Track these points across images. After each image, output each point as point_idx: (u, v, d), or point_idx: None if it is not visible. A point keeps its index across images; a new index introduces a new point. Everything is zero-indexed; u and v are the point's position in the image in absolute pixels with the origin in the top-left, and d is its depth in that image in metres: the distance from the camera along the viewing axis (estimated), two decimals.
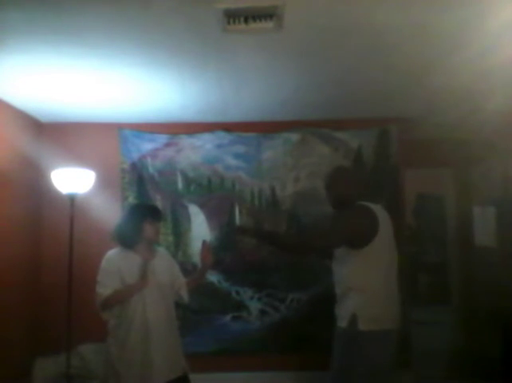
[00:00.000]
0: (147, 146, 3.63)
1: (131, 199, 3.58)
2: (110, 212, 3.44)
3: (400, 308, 2.18)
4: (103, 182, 3.41)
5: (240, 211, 3.60)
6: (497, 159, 3.79)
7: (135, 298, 2.09)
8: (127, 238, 2.19)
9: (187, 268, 3.54)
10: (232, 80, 2.80)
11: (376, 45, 2.31)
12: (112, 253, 2.20)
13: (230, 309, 3.53)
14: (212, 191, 3.63)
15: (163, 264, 2.28)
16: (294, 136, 3.66)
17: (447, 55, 2.44)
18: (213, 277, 3.55)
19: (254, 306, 3.55)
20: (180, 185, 3.63)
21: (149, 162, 3.62)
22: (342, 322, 2.10)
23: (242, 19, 1.96)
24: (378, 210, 2.22)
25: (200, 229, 3.59)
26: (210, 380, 3.45)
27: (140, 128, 3.66)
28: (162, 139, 3.65)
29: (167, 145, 3.64)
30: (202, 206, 3.61)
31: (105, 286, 2.08)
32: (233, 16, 1.95)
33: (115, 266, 2.13)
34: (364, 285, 2.08)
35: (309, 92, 3.06)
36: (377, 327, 2.04)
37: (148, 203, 3.54)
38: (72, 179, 3.03)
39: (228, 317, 3.53)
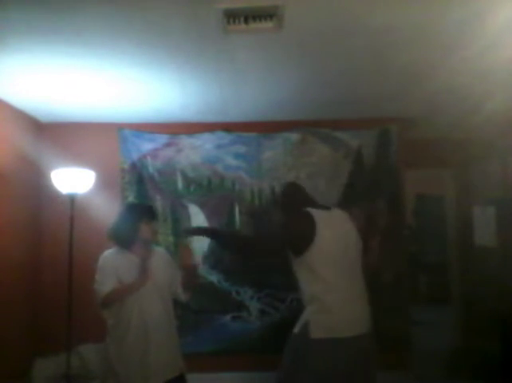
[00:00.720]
0: (147, 146, 3.63)
1: (131, 199, 3.58)
2: (110, 212, 3.44)
3: (367, 311, 2.10)
4: (103, 182, 3.41)
5: (240, 211, 3.60)
6: (497, 159, 3.79)
7: (133, 298, 2.08)
8: (123, 238, 2.18)
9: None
10: (232, 80, 2.80)
11: (376, 45, 2.31)
12: (109, 252, 2.20)
13: (230, 309, 3.53)
14: (212, 191, 3.63)
15: (161, 263, 2.26)
16: (294, 136, 3.66)
17: (447, 55, 2.44)
18: (213, 277, 3.55)
19: (254, 306, 3.55)
20: (180, 185, 3.63)
21: (149, 162, 3.62)
22: (295, 328, 2.06)
23: (242, 19, 1.96)
24: (323, 214, 2.10)
25: None
26: (210, 380, 3.46)
27: (140, 128, 3.66)
28: (162, 139, 3.64)
29: (167, 145, 3.64)
30: (202, 206, 3.61)
31: (104, 284, 2.07)
32: (233, 16, 1.95)
33: (112, 265, 2.12)
34: (314, 292, 2.01)
35: (309, 92, 3.06)
36: (329, 335, 1.96)
37: (144, 202, 3.55)
38: (72, 179, 3.03)
39: (228, 317, 3.53)
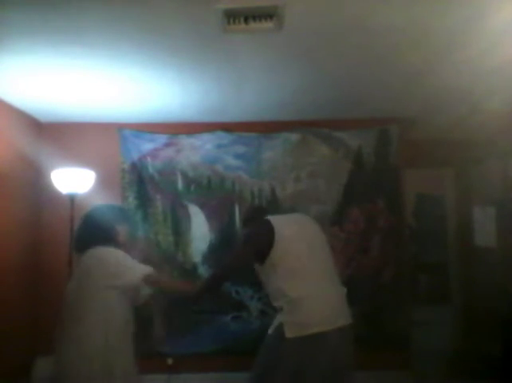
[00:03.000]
0: (147, 146, 3.63)
1: (131, 199, 3.58)
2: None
3: (343, 303, 2.15)
4: (103, 182, 3.41)
5: (240, 211, 3.60)
6: (497, 159, 3.79)
7: (97, 300, 1.87)
8: (97, 242, 1.95)
9: (186, 268, 3.56)
10: (232, 81, 2.80)
11: (376, 46, 2.31)
12: (108, 249, 1.97)
13: (230, 309, 3.53)
14: (212, 191, 3.63)
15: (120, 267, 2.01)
16: (294, 136, 3.66)
17: (447, 55, 2.44)
18: None
19: (254, 306, 3.54)
20: (180, 185, 3.62)
21: (149, 162, 3.62)
22: (270, 330, 2.06)
23: (242, 19, 1.96)
24: (280, 219, 2.18)
25: (200, 229, 3.59)
26: (210, 380, 3.46)
27: (140, 128, 3.66)
28: (162, 139, 3.64)
29: (167, 145, 3.64)
30: (202, 206, 3.61)
31: (139, 266, 1.94)
32: (233, 16, 1.95)
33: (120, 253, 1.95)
34: (283, 293, 2.03)
35: (309, 92, 3.06)
36: (304, 333, 1.97)
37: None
38: (72, 179, 3.03)
39: (228, 317, 3.53)
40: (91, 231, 2.02)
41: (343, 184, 3.62)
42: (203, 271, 3.54)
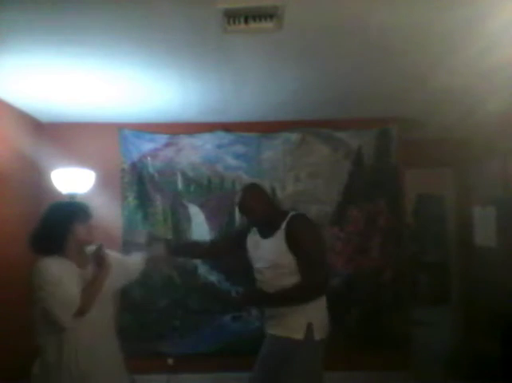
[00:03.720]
0: (147, 146, 3.63)
1: (131, 199, 3.58)
2: (110, 212, 3.45)
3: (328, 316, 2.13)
4: (103, 182, 3.41)
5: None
6: (497, 159, 3.79)
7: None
8: (53, 244, 1.81)
9: (186, 268, 3.56)
10: (232, 81, 2.80)
11: (376, 45, 2.31)
12: (48, 261, 1.78)
13: (230, 310, 3.53)
14: (212, 191, 3.63)
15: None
16: (294, 136, 3.66)
17: (447, 55, 2.44)
18: (213, 277, 3.55)
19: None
20: (180, 185, 3.63)
21: (149, 162, 3.62)
22: (295, 334, 1.97)
23: (242, 19, 1.96)
24: None
25: (200, 229, 3.60)
26: (210, 380, 3.46)
27: (140, 128, 3.66)
28: (162, 139, 3.64)
29: (167, 145, 3.64)
30: (202, 206, 3.61)
31: (70, 294, 1.72)
32: (233, 16, 1.95)
33: (59, 275, 1.74)
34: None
35: (309, 92, 3.06)
36: (324, 335, 2.02)
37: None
38: (72, 179, 3.03)
39: (228, 317, 3.53)
40: (39, 238, 1.84)
41: (343, 184, 3.62)
42: (203, 271, 3.55)
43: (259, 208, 2.10)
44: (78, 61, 2.42)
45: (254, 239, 2.19)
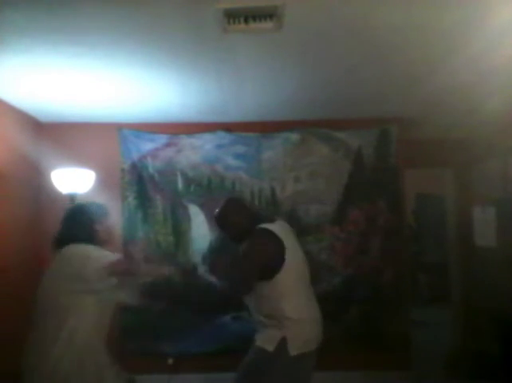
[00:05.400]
0: (147, 146, 3.63)
1: (131, 199, 3.58)
2: (110, 212, 3.44)
3: (320, 326, 2.10)
4: (103, 182, 3.41)
5: None
6: (497, 159, 3.79)
7: (66, 306, 1.80)
8: (83, 238, 1.93)
9: (186, 268, 3.56)
10: (232, 81, 2.80)
11: (376, 45, 2.31)
12: (74, 245, 1.91)
13: (230, 310, 3.53)
14: (212, 191, 3.63)
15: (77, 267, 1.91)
16: (294, 136, 3.66)
17: (447, 55, 2.44)
18: (213, 277, 3.55)
19: None
20: (180, 185, 3.62)
21: (149, 162, 3.62)
22: (268, 345, 1.96)
23: (242, 19, 1.96)
24: (278, 228, 2.08)
25: (200, 229, 3.59)
26: (210, 380, 3.46)
27: (140, 128, 3.66)
28: (162, 139, 3.64)
29: (167, 145, 3.64)
30: (202, 206, 3.61)
31: (106, 254, 1.86)
32: (233, 16, 1.95)
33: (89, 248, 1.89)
34: (289, 309, 1.97)
35: (309, 91, 3.06)
36: (304, 350, 1.97)
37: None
38: (72, 179, 3.03)
39: (228, 317, 3.53)
40: (68, 229, 1.97)
41: (343, 184, 3.62)
42: (203, 271, 3.54)
43: (236, 223, 2.15)
44: (78, 61, 2.41)
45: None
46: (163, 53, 2.37)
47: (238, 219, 2.15)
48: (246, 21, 1.97)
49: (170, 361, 3.48)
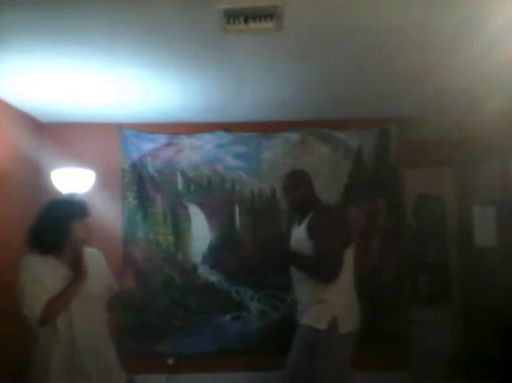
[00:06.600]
0: (147, 146, 3.63)
1: (131, 199, 3.58)
2: (110, 212, 3.45)
3: (360, 309, 2.23)
4: (103, 182, 3.41)
5: (240, 211, 3.60)
6: (497, 159, 3.79)
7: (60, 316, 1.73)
8: (50, 242, 1.78)
9: (186, 268, 3.56)
10: (232, 81, 2.80)
11: (376, 46, 2.31)
12: (30, 259, 1.80)
13: (230, 310, 3.53)
14: (212, 191, 3.63)
15: (95, 269, 1.88)
16: (294, 136, 3.66)
17: (447, 55, 2.44)
18: (213, 277, 3.55)
19: (254, 306, 3.54)
20: (180, 185, 3.62)
21: (149, 162, 3.62)
22: (319, 324, 2.06)
23: (242, 19, 1.96)
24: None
25: (200, 229, 3.60)
26: (210, 380, 3.46)
27: (140, 128, 3.65)
28: (162, 139, 3.64)
29: (167, 145, 3.64)
30: (202, 206, 3.61)
31: (36, 299, 1.70)
32: (233, 16, 1.95)
33: (37, 274, 1.74)
34: (341, 287, 2.12)
35: (309, 92, 3.06)
36: (351, 328, 2.09)
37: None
38: (72, 179, 3.03)
39: (228, 317, 3.53)
40: (38, 228, 1.83)
41: (343, 184, 3.62)
42: (203, 271, 3.55)
43: (301, 190, 2.28)
44: (78, 61, 2.42)
45: (294, 229, 2.40)
46: (163, 53, 2.37)
47: (307, 190, 2.30)
48: (246, 21, 1.97)
49: (170, 361, 3.48)
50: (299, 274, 2.23)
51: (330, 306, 2.07)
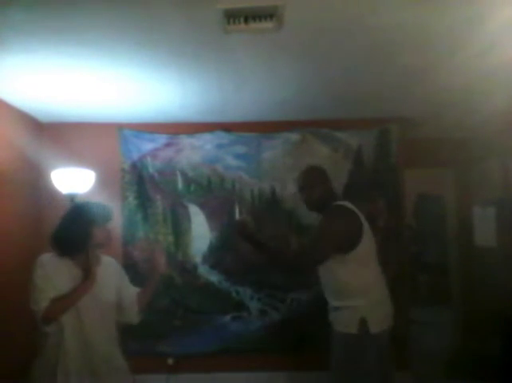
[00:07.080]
0: (147, 146, 3.63)
1: (131, 199, 3.58)
2: (113, 214, 3.45)
3: (392, 305, 2.21)
4: (103, 182, 3.41)
5: (240, 211, 3.59)
6: (497, 159, 3.79)
7: (69, 317, 1.77)
8: (71, 246, 1.86)
9: (187, 268, 3.56)
10: (232, 81, 2.80)
11: (376, 45, 2.31)
12: (47, 259, 1.85)
13: (230, 309, 3.53)
14: (212, 191, 3.63)
15: (109, 276, 1.94)
16: (294, 136, 3.66)
17: (447, 55, 2.44)
18: (213, 277, 3.55)
19: (254, 306, 3.54)
20: (180, 185, 3.62)
21: (149, 162, 3.62)
22: (350, 328, 2.05)
23: (242, 19, 1.96)
24: (352, 206, 2.24)
25: (200, 229, 3.60)
26: (210, 380, 3.46)
27: (140, 128, 3.65)
28: (162, 139, 3.64)
29: (167, 145, 3.64)
30: (202, 206, 3.61)
31: (42, 295, 1.73)
32: (233, 16, 1.95)
33: (50, 275, 1.79)
34: (365, 286, 2.08)
35: (309, 91, 3.06)
36: (383, 328, 2.07)
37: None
38: (72, 179, 3.03)
39: (228, 317, 3.53)
40: (62, 231, 1.90)
41: (343, 184, 3.61)
42: (203, 271, 3.55)
43: (318, 189, 2.25)
44: (78, 61, 2.42)
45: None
46: (163, 53, 2.37)
47: (324, 188, 2.27)
48: (246, 21, 1.97)
49: (170, 361, 3.48)
50: (325, 275, 2.23)
51: (357, 308, 2.05)
